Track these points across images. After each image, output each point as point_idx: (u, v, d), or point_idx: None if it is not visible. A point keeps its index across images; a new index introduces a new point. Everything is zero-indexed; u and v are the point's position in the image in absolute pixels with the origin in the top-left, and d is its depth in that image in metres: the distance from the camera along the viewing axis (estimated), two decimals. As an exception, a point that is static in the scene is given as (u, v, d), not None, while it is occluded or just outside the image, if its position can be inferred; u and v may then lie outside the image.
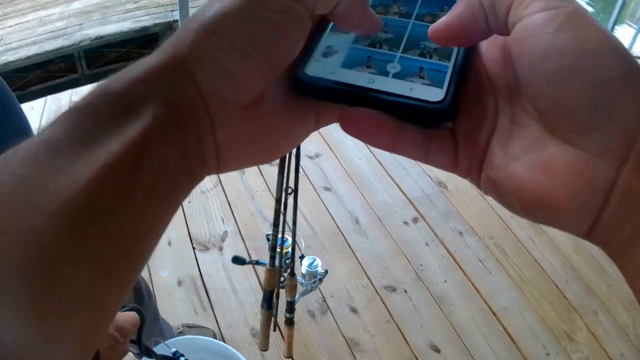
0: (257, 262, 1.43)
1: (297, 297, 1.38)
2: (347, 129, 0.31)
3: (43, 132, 0.25)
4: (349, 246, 2.42)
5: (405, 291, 2.23)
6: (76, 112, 0.26)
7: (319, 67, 0.32)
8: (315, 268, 1.37)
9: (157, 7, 5.43)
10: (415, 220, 2.56)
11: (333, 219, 2.55)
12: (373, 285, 2.25)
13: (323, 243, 2.42)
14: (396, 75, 0.32)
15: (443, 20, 0.31)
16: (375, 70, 0.32)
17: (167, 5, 5.40)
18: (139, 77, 0.27)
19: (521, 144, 0.29)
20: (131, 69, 0.28)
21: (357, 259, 2.36)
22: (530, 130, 0.29)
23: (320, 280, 1.42)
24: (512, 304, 2.20)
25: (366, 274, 2.29)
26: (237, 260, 1.43)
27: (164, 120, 0.27)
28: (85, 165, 0.24)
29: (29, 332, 0.22)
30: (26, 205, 0.23)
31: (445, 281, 2.28)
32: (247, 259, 1.43)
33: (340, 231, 2.49)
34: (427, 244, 2.44)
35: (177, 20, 4.75)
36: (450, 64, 0.32)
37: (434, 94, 0.30)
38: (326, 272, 1.42)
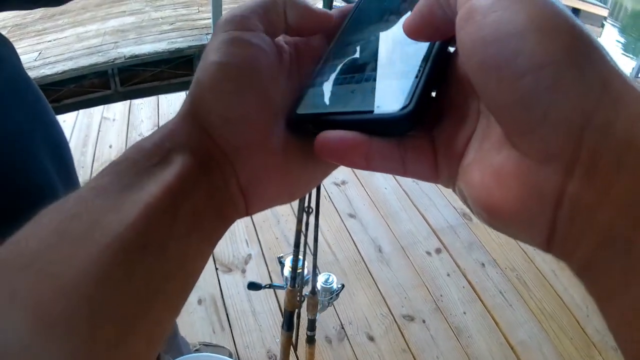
0: (271, 285, 1.45)
1: (317, 315, 1.40)
2: (318, 153, 0.31)
3: (89, 183, 0.28)
4: (370, 274, 2.42)
5: (424, 321, 2.23)
6: (116, 165, 0.29)
7: (307, 105, 0.33)
8: (330, 284, 1.39)
9: (191, 29, 5.56)
10: (438, 250, 2.56)
11: (356, 246, 2.56)
12: (392, 314, 2.25)
13: (344, 270, 2.42)
14: (366, 93, 0.31)
15: (410, 15, 0.29)
16: (349, 93, 0.32)
17: (202, 28, 5.54)
18: (166, 133, 0.31)
19: (484, 147, 0.26)
20: (159, 129, 0.31)
21: (377, 287, 2.36)
22: (495, 131, 0.26)
23: (337, 294, 1.43)
24: (531, 338, 2.17)
25: (386, 302, 2.29)
26: (253, 286, 1.45)
27: (192, 166, 0.29)
28: (131, 205, 0.26)
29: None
30: (82, 238, 0.25)
31: (465, 312, 2.27)
32: (263, 284, 1.45)
33: (363, 259, 2.50)
34: (448, 275, 2.44)
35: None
36: (418, 69, 0.29)
37: (395, 103, 0.28)
38: (342, 286, 1.43)
